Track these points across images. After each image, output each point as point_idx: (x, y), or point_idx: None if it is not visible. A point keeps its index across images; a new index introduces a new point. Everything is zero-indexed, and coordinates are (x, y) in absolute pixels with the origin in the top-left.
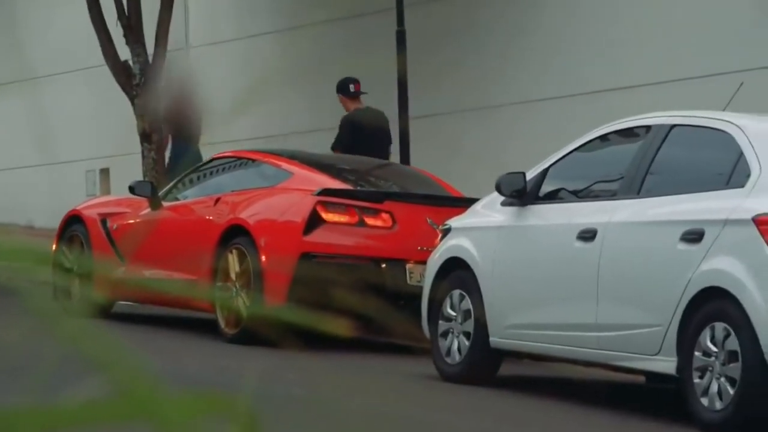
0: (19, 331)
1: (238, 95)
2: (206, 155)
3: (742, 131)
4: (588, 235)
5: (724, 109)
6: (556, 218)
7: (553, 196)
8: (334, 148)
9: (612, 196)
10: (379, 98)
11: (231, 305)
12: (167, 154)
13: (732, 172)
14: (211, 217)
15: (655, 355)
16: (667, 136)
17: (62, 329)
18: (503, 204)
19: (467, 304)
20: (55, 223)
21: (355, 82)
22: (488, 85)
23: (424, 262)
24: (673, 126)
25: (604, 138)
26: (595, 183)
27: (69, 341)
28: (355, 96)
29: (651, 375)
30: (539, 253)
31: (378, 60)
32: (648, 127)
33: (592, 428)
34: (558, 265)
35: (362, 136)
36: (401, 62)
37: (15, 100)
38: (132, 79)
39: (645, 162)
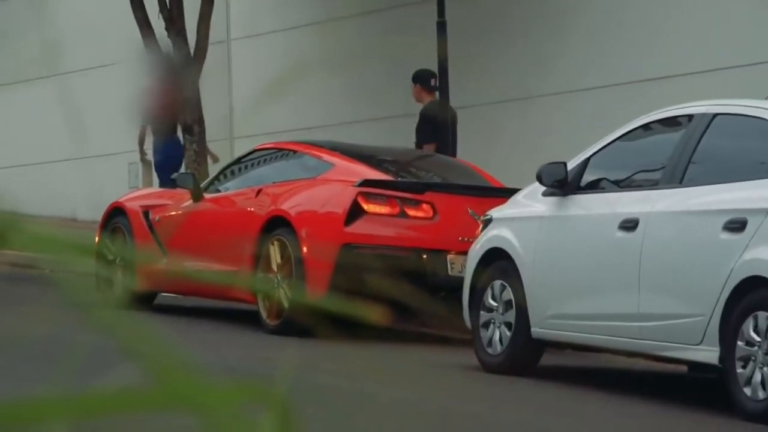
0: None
1: (267, 84)
2: (246, 147)
3: None
4: (630, 225)
5: (766, 98)
6: (598, 208)
7: (594, 186)
8: (422, 142)
9: (654, 185)
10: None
11: (272, 294)
12: (148, 148)
13: None
14: (252, 209)
15: (698, 344)
16: (709, 125)
17: (99, 319)
18: (544, 194)
19: (508, 294)
20: (98, 215)
21: (434, 76)
22: (529, 75)
23: (465, 253)
24: (716, 115)
25: (645, 127)
26: (636, 172)
27: (106, 330)
28: (433, 90)
29: (693, 365)
30: (581, 243)
31: (418, 51)
32: (690, 116)
33: (634, 419)
34: (600, 255)
35: (441, 129)
36: (442, 53)
37: (59, 92)
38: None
39: (687, 151)
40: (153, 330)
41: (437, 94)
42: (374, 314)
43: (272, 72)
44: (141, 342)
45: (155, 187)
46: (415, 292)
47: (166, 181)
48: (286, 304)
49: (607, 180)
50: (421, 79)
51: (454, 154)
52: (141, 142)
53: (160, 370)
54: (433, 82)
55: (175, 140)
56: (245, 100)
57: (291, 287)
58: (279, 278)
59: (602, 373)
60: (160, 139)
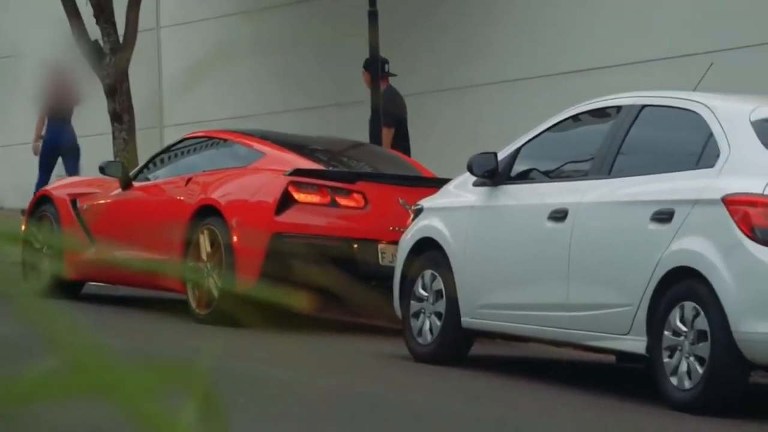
0: None
1: (193, 67)
2: (176, 136)
3: (712, 112)
4: (559, 216)
5: (694, 90)
6: (528, 198)
7: (524, 177)
8: (388, 124)
9: (583, 176)
10: (350, 79)
11: (201, 283)
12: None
13: (702, 152)
14: (182, 197)
15: (625, 334)
16: (637, 116)
17: (19, 307)
18: (475, 184)
19: (439, 284)
20: (25, 203)
21: (387, 62)
22: (460, 65)
23: (396, 243)
24: (644, 106)
25: (575, 118)
26: (566, 163)
27: (25, 319)
28: (388, 75)
29: (621, 354)
30: (511, 233)
31: (349, 40)
32: (619, 108)
33: (563, 408)
34: (529, 245)
35: (402, 116)
36: (373, 42)
37: None
38: (102, 59)
39: (616, 142)
40: (71, 318)
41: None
42: (301, 301)
43: (203, 61)
44: (59, 330)
45: (83, 176)
46: (345, 281)
47: (44, 168)
48: (215, 294)
49: (537, 170)
50: (366, 65)
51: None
52: (38, 129)
53: (76, 357)
54: (386, 67)
55: (66, 128)
56: (173, 85)
57: (221, 276)
58: (209, 267)
59: (532, 362)
60: (53, 125)
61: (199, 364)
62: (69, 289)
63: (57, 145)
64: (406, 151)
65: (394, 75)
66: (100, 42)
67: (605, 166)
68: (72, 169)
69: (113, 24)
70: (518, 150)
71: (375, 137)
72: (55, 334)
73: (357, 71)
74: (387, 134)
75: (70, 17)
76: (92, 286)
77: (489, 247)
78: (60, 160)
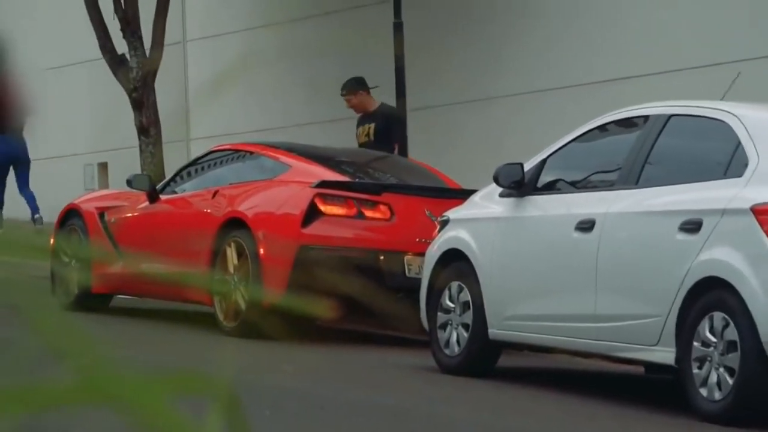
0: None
1: (217, 76)
2: (202, 149)
3: (740, 121)
4: (586, 226)
5: (721, 99)
6: (555, 209)
7: (551, 187)
8: (396, 141)
9: (610, 186)
10: (376, 91)
11: (228, 295)
12: None
13: (730, 161)
14: (208, 210)
15: (654, 345)
16: (665, 126)
17: (37, 321)
18: (501, 195)
19: (466, 295)
20: (53, 217)
21: (363, 79)
22: (486, 76)
23: (422, 254)
24: (671, 116)
25: (602, 128)
26: (593, 173)
27: (42, 332)
28: (370, 91)
29: (650, 366)
30: (537, 244)
31: (375, 52)
32: (646, 117)
33: (592, 420)
34: (556, 256)
35: (400, 129)
36: (398, 54)
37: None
38: (129, 72)
39: (643, 152)
40: (88, 331)
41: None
42: (327, 310)
43: (231, 87)
44: (75, 343)
45: (111, 189)
46: (372, 291)
47: None
48: (243, 306)
49: (564, 181)
50: (360, 85)
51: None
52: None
53: (89, 367)
54: (368, 83)
55: (18, 140)
56: (199, 94)
57: (248, 289)
58: (236, 280)
59: (559, 374)
60: (4, 137)
61: (221, 375)
62: (97, 302)
63: (9, 157)
64: None
65: (376, 87)
66: (127, 55)
67: (632, 176)
68: (23, 179)
69: (140, 38)
70: (545, 160)
71: (400, 149)
72: (69, 345)
73: (383, 83)
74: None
75: (96, 30)
76: (120, 299)
77: (516, 258)
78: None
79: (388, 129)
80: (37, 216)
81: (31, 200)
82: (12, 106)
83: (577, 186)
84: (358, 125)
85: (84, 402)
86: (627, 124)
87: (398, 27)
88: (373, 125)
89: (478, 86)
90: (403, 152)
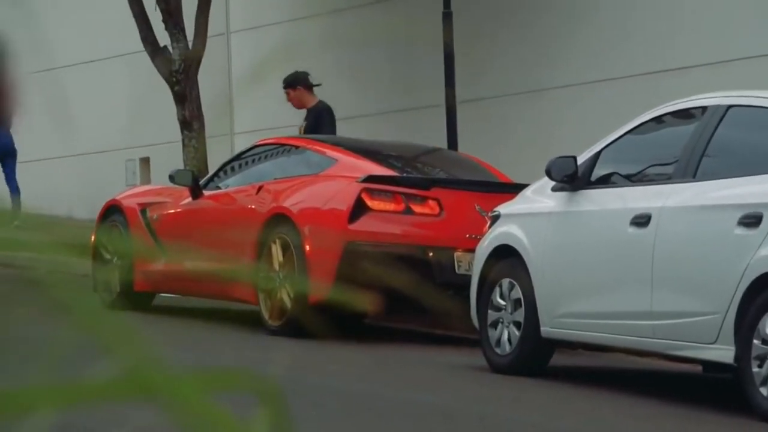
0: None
1: (259, 64)
2: (246, 143)
3: None
4: (642, 221)
5: None
6: (609, 203)
7: (605, 181)
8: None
9: (667, 179)
10: (425, 83)
11: (272, 288)
12: None
13: None
14: (253, 206)
15: (712, 343)
16: (723, 117)
17: (82, 318)
18: (554, 189)
19: (517, 292)
20: (95, 213)
21: (308, 74)
22: (538, 67)
23: (472, 251)
24: (730, 107)
25: (658, 120)
26: (649, 166)
27: (87, 330)
28: (312, 88)
29: (708, 364)
30: (592, 239)
31: (424, 43)
32: (704, 108)
33: (648, 420)
34: (611, 252)
35: (333, 130)
36: (447, 44)
37: (53, 88)
38: (171, 65)
39: (701, 144)
40: (133, 328)
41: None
42: (369, 302)
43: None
44: (120, 340)
45: (153, 185)
46: (421, 288)
47: None
48: (288, 304)
49: (619, 174)
50: (301, 81)
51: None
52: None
53: (135, 363)
54: (310, 79)
55: (4, 133)
56: (242, 82)
57: (293, 286)
58: (281, 277)
59: (614, 373)
60: None
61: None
62: (139, 301)
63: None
64: None
65: (319, 84)
66: (169, 48)
67: (690, 169)
68: (10, 172)
69: (182, 29)
70: (599, 153)
71: (450, 142)
72: (115, 342)
73: (431, 74)
74: None
75: (138, 22)
76: (163, 298)
77: (569, 254)
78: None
79: (316, 128)
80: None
81: (15, 192)
82: (7, 100)
83: (632, 179)
84: (301, 123)
85: (128, 397)
86: (684, 115)
87: (447, 16)
88: (305, 124)
89: (529, 77)
90: (453, 145)
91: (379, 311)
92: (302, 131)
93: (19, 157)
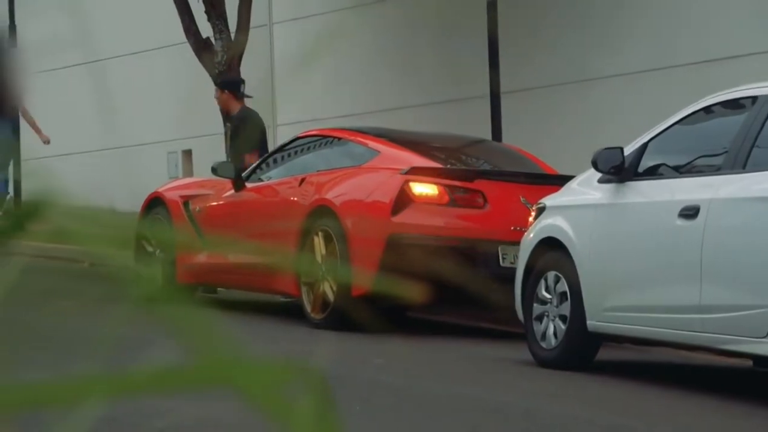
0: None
1: (305, 49)
2: (289, 135)
3: None
4: (690, 213)
5: None
6: (657, 195)
7: (653, 172)
8: (248, 151)
9: (716, 170)
10: (469, 73)
11: (315, 275)
12: None
13: None
14: (295, 198)
15: (763, 337)
16: None
17: (161, 311)
18: (600, 181)
19: (563, 286)
20: (137, 206)
21: (244, 83)
22: (584, 57)
23: (517, 243)
24: None
25: (707, 110)
26: (697, 157)
27: (168, 322)
28: (242, 98)
29: (758, 359)
30: (639, 231)
31: (468, 32)
32: (754, 98)
33: (696, 416)
34: (659, 245)
35: (262, 139)
36: (492, 34)
37: (95, 80)
38: (214, 56)
39: (751, 134)
40: (207, 315)
41: (248, 99)
42: (413, 292)
43: (319, 60)
44: (197, 328)
45: (196, 177)
46: (467, 280)
47: None
48: (331, 297)
49: (667, 165)
50: (231, 85)
51: None
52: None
53: (206, 347)
54: (242, 89)
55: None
56: (285, 70)
57: (336, 279)
58: (324, 270)
59: (662, 367)
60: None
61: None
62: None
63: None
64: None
65: (250, 97)
66: (212, 39)
67: (739, 160)
68: None
69: (225, 20)
70: (646, 144)
71: (494, 133)
72: (193, 331)
73: (476, 64)
74: (250, 160)
75: (181, 13)
76: (203, 290)
77: (616, 247)
78: None
79: (236, 136)
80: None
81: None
82: (9, 92)
83: (680, 171)
84: None
85: (200, 385)
86: (733, 105)
87: (492, 5)
88: (227, 131)
89: (575, 67)
90: (497, 136)
91: (423, 302)
92: (228, 138)
93: (62, 150)
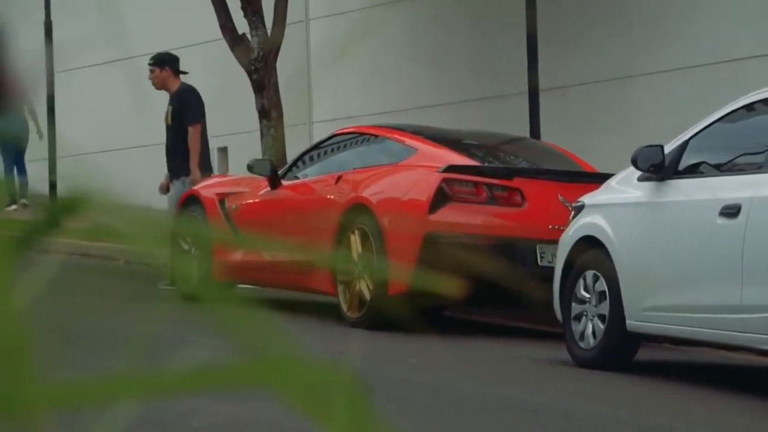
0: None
1: (338, 44)
2: (325, 132)
3: None
4: (731, 211)
5: None
6: (697, 193)
7: (693, 170)
8: (198, 120)
9: (757, 169)
10: (507, 70)
11: (350, 269)
12: None
13: None
14: (332, 196)
15: None
16: None
17: (216, 310)
18: (640, 179)
19: (602, 285)
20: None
21: (178, 59)
22: (624, 54)
23: (555, 242)
24: None
25: (748, 107)
26: (739, 155)
27: (222, 323)
28: (179, 74)
29: None
30: (679, 230)
31: (506, 29)
32: None
33: (736, 417)
34: (699, 244)
35: (202, 111)
36: (531, 30)
37: (130, 77)
38: (250, 53)
39: None
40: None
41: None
42: (450, 286)
43: (354, 53)
44: (254, 330)
45: (231, 175)
46: (505, 278)
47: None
48: (367, 296)
49: (707, 164)
50: (171, 62)
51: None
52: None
53: (261, 346)
54: (177, 65)
55: (19, 119)
56: (321, 61)
57: (373, 275)
58: (360, 268)
59: (702, 368)
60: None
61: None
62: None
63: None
64: (207, 148)
65: (186, 72)
66: (248, 36)
67: None
68: (21, 154)
69: (261, 17)
70: (686, 142)
71: (532, 131)
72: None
73: (514, 60)
74: (197, 132)
75: (217, 10)
76: (241, 289)
77: (655, 246)
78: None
79: (182, 111)
80: None
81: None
82: (14, 85)
83: (721, 169)
84: (167, 107)
85: (238, 384)
86: None
87: (531, 2)
88: (171, 107)
89: (615, 64)
90: (536, 134)
91: (460, 298)
92: (169, 116)
93: (99, 147)
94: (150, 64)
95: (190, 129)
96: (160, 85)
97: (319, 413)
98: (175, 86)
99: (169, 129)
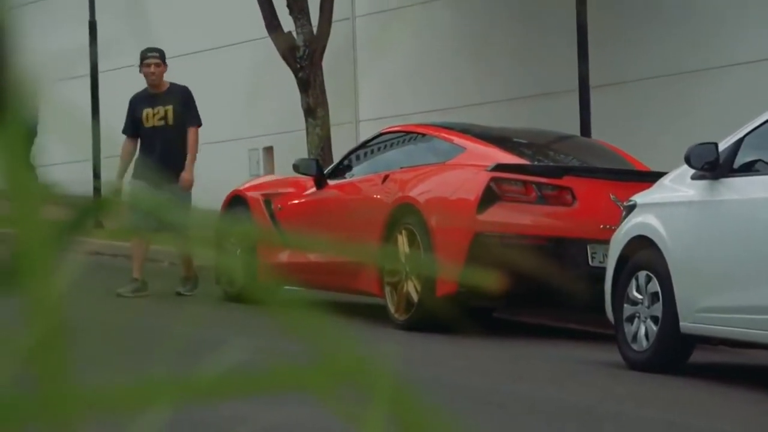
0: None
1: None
2: (372, 131)
3: None
4: None
5: None
6: (753, 192)
7: (749, 168)
8: (198, 124)
9: None
10: (556, 67)
11: (397, 268)
12: None
13: None
14: (378, 196)
15: None
16: None
17: (291, 314)
18: (693, 177)
19: (655, 286)
20: (218, 204)
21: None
22: (676, 50)
23: (607, 242)
24: None
25: None
26: None
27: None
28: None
29: None
30: (734, 230)
31: (557, 25)
32: None
33: None
34: (755, 243)
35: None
36: (581, 26)
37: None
38: (296, 51)
39: None
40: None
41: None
42: (498, 282)
43: (399, 49)
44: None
45: (277, 175)
46: (556, 277)
47: None
48: (415, 298)
49: (763, 161)
50: (163, 58)
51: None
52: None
53: (327, 347)
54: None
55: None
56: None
57: (420, 280)
58: (407, 269)
59: (758, 371)
60: None
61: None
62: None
63: None
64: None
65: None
66: (294, 34)
67: None
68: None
69: (307, 14)
70: (742, 139)
71: (583, 129)
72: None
73: (563, 57)
74: (197, 133)
75: (262, 8)
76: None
77: (710, 246)
78: None
79: (187, 110)
80: None
81: None
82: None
83: None
84: (144, 106)
85: (272, 389)
86: None
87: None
88: (171, 107)
89: (667, 60)
90: (586, 132)
91: (510, 298)
92: (170, 116)
93: None
94: (156, 57)
95: (191, 130)
96: (159, 81)
97: (358, 419)
98: (165, 85)
99: (170, 129)
